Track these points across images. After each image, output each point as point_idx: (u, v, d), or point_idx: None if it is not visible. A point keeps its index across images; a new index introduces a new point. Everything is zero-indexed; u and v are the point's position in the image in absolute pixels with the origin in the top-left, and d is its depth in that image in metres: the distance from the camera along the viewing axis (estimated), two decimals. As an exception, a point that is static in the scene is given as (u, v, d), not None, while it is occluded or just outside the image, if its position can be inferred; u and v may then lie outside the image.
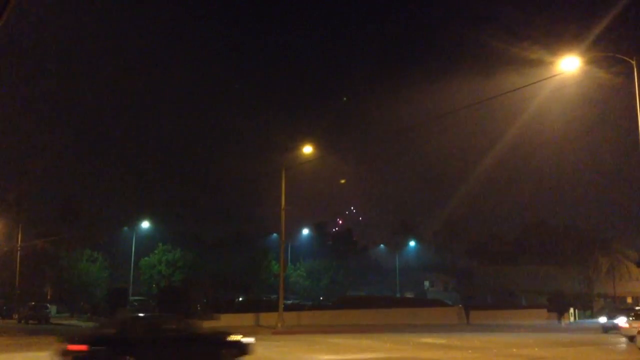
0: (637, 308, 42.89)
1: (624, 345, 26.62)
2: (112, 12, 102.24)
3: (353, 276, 72.34)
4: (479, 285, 76.17)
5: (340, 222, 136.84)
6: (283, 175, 36.93)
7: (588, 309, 64.36)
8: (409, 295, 79.05)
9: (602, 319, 41.34)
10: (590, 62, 22.18)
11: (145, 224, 62.77)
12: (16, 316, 49.27)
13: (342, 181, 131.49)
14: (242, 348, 16.81)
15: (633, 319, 37.48)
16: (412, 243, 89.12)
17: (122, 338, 15.28)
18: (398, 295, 76.52)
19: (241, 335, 17.17)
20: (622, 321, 38.26)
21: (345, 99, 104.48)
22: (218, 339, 16.91)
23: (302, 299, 58.61)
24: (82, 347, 14.62)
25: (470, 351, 23.18)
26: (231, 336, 17.01)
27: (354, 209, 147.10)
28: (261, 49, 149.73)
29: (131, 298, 53.14)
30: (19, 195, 58.92)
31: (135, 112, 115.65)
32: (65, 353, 14.69)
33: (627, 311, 41.36)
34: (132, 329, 15.78)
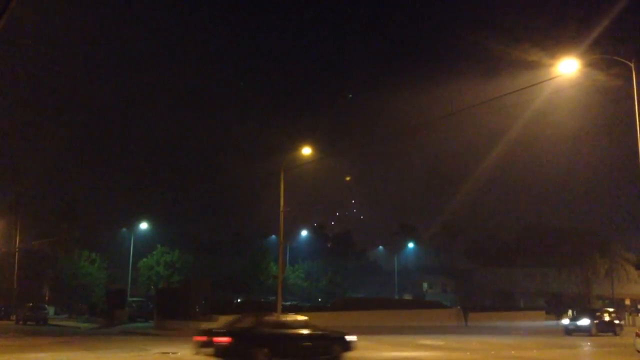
0: (609, 309, 41.95)
1: (622, 348, 26.58)
2: (112, 13, 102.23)
3: (352, 278, 72.24)
4: (478, 287, 76.21)
5: (337, 216, 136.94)
6: (282, 177, 36.83)
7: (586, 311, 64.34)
8: (407, 297, 79.02)
9: (565, 321, 39.72)
10: (589, 64, 22.19)
11: (144, 225, 62.67)
12: (14, 317, 49.15)
13: (347, 178, 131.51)
14: (347, 344, 19.27)
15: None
16: (411, 245, 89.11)
17: (257, 333, 17.58)
18: (397, 297, 76.48)
19: (346, 334, 19.56)
20: (585, 322, 37.03)
21: (350, 95, 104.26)
22: (329, 336, 19.39)
23: (301, 300, 58.53)
24: (227, 340, 16.81)
25: (468, 353, 23.20)
26: (338, 334, 19.59)
27: (354, 203, 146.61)
28: (261, 50, 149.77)
29: (129, 299, 53.03)
30: (17, 196, 58.87)
31: (135, 113, 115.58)
32: (209, 345, 16.91)
33: (592, 312, 39.83)
34: (264, 326, 18.08)
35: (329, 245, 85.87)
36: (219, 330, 17.71)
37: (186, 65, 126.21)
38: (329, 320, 43.94)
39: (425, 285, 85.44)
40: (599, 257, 62.92)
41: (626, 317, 62.00)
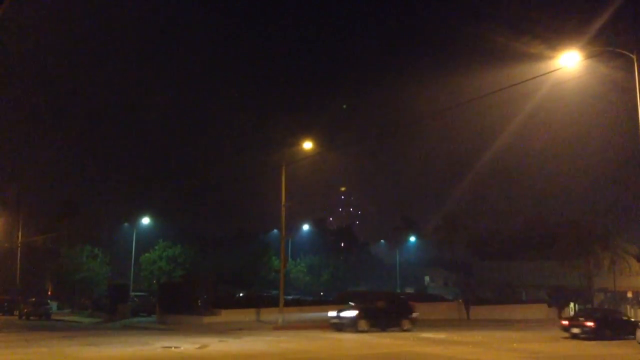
0: (396, 296, 37.59)
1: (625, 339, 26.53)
2: (110, 11, 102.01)
3: (353, 272, 72.35)
4: (480, 280, 76.06)
5: (338, 210, 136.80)
6: (283, 171, 36.83)
7: (588, 303, 64.35)
8: (409, 290, 79.01)
9: (331, 313, 31.27)
10: (590, 56, 22.10)
11: (146, 220, 62.59)
12: (17, 312, 49.29)
13: (343, 189, 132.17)
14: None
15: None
16: (412, 238, 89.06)
17: (605, 319, 26.89)
18: (398, 290, 76.54)
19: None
20: (350, 314, 29.86)
21: (344, 106, 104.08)
22: (631, 322, 28.13)
23: (303, 294, 58.64)
24: (593, 324, 26.04)
25: (470, 346, 23.22)
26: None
27: (355, 197, 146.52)
28: (261, 45, 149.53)
29: (132, 294, 53.15)
30: (19, 191, 59.01)
31: (136, 109, 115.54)
32: (576, 326, 26.49)
33: (365, 302, 32.71)
34: (608, 314, 28.76)
35: (330, 239, 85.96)
36: (584, 316, 27.45)
37: (185, 63, 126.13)
38: (331, 314, 44.09)
39: (427, 278, 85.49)
40: (600, 250, 62.79)
41: (628, 309, 62.07)
